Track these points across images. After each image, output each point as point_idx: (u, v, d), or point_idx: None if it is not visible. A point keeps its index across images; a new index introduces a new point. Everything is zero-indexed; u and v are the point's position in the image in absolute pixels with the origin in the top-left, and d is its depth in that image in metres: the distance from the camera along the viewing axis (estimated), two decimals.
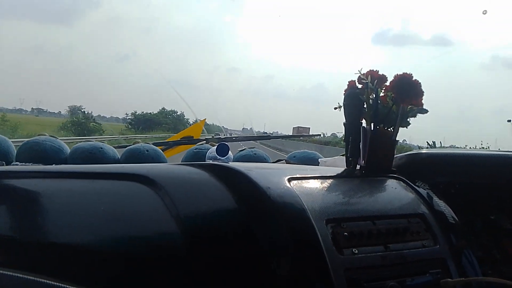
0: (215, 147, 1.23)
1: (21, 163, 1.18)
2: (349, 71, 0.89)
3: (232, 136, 1.81)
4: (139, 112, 38.18)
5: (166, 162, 1.26)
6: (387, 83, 0.85)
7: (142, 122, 35.24)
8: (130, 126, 34.84)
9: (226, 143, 1.25)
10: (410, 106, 0.85)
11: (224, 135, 1.72)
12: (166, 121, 36.92)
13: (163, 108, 40.42)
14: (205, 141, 1.52)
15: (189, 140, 1.68)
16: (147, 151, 1.27)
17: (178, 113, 39.55)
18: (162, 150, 1.42)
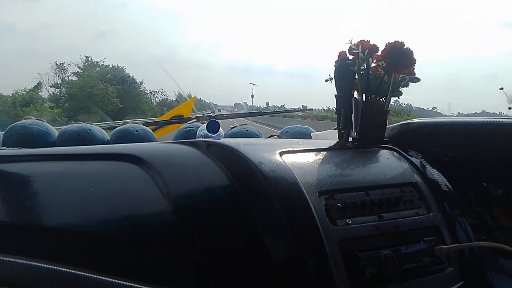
0: (205, 124, 1.22)
1: (8, 148, 1.16)
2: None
3: (224, 114, 1.79)
4: None
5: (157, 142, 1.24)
6: (379, 53, 0.84)
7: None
8: None
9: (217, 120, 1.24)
10: (402, 75, 0.84)
11: (213, 111, 1.70)
12: None
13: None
14: (195, 120, 1.51)
15: (179, 119, 1.66)
16: (137, 131, 1.26)
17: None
18: (152, 130, 1.41)
